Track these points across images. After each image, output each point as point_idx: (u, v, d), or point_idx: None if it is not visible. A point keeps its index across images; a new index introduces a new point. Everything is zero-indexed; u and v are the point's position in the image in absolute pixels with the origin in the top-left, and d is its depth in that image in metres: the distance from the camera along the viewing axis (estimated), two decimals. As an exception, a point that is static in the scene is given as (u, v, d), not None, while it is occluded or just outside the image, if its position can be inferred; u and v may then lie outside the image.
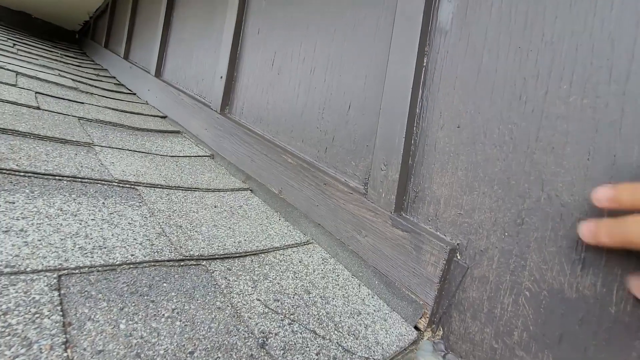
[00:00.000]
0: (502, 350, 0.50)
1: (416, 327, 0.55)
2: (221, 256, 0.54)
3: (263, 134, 1.01)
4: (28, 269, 0.37)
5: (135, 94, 1.90)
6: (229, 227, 0.65)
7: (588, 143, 0.45)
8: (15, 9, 3.58)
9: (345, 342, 0.45)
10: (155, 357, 0.32)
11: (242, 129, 1.05)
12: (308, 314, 0.48)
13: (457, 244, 0.57)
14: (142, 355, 0.32)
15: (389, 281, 0.60)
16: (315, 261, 0.65)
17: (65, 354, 0.29)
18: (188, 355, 0.34)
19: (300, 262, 0.62)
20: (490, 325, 0.52)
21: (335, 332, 0.46)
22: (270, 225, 0.73)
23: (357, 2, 0.80)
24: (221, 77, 1.21)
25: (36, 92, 1.13)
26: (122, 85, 2.07)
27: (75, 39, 4.03)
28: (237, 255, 0.57)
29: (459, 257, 0.57)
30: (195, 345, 0.35)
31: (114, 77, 2.27)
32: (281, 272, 0.57)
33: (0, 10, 3.50)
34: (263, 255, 0.60)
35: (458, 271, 0.56)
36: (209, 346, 0.36)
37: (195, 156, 1.07)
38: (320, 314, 0.49)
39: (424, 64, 0.65)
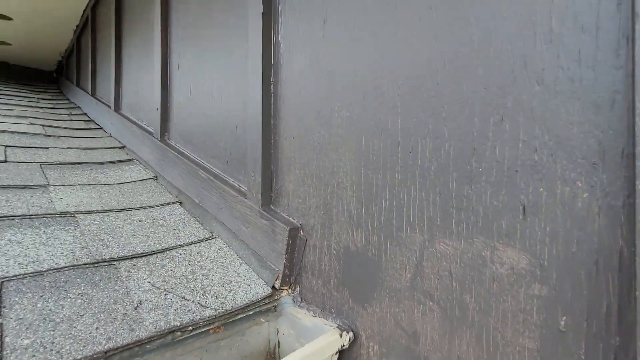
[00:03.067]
0: (327, 293, 0.71)
1: (273, 287, 0.76)
2: (130, 257, 0.77)
3: (189, 154, 1.23)
4: (-19, 280, 0.59)
5: (101, 127, 2.13)
6: (145, 235, 0.87)
7: (355, 142, 0.66)
8: (-6, 60, 3.82)
9: (205, 302, 0.67)
10: (57, 320, 0.54)
11: (174, 152, 1.27)
12: (185, 287, 0.70)
13: (300, 224, 0.78)
14: (48, 318, 0.54)
15: (260, 258, 0.82)
16: (212, 251, 0.86)
17: (-3, 321, 0.51)
18: (80, 317, 0.56)
19: (198, 253, 0.84)
20: (320, 278, 0.73)
21: (202, 296, 0.68)
22: (183, 229, 0.95)
23: (237, 45, 1.00)
24: (157, 108, 1.43)
25: (6, 146, 1.36)
26: (92, 120, 2.30)
27: (53, 79, 4.27)
28: (144, 254, 0.79)
29: (302, 234, 0.78)
30: (86, 311, 0.57)
31: (85, 114, 2.50)
32: (178, 262, 0.79)
33: (-21, 63, 3.75)
34: (167, 252, 0.82)
35: (300, 243, 0.77)
36: (96, 311, 0.58)
37: (140, 180, 1.29)
38: (197, 286, 0.71)
39: (271, 91, 0.85)
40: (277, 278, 0.77)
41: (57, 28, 3.03)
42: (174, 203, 1.12)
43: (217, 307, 0.65)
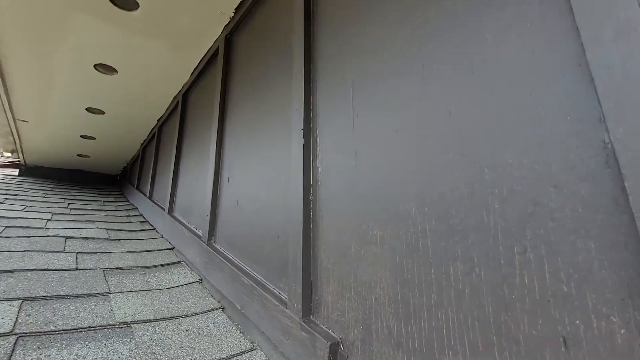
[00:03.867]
0: (372, 422, 0.68)
1: (315, 411, 0.74)
2: (178, 373, 0.80)
3: (233, 258, 1.32)
4: (51, 400, 0.65)
5: (155, 228, 2.36)
6: (192, 347, 0.91)
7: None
8: (73, 169, 4.55)
9: None
10: None
11: (219, 256, 1.38)
12: (229, 410, 0.70)
13: (340, 338, 0.79)
14: None
15: (302, 375, 0.81)
16: (253, 365, 0.87)
17: None
18: None
19: (240, 368, 0.85)
20: (364, 402, 0.70)
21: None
22: (226, 339, 0.97)
23: (280, 165, 1.18)
24: (207, 215, 1.60)
25: (77, 253, 1.56)
26: (147, 221, 2.57)
27: (116, 181, 4.92)
28: (191, 370, 0.82)
29: (342, 349, 0.78)
30: None
31: (141, 215, 2.80)
32: (222, 378, 0.80)
33: (62, 172, 4.48)
34: (212, 367, 0.84)
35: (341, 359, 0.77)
36: None
37: (187, 284, 1.38)
38: (239, 409, 0.71)
39: (310, 207, 0.97)
40: (320, 400, 0.74)
41: (128, 144, 3.64)
42: (217, 309, 1.17)
43: None
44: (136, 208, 3.11)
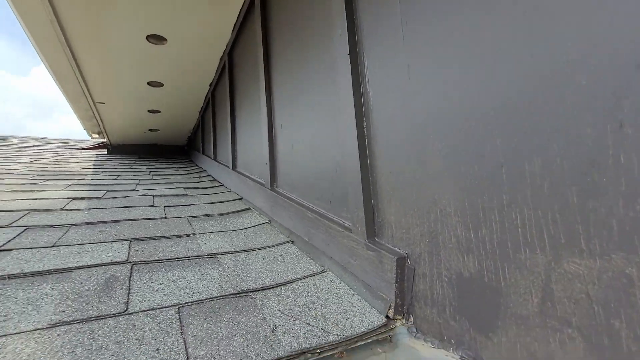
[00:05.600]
0: (443, 323, 0.70)
1: (387, 317, 0.79)
2: (261, 288, 0.90)
3: (295, 198, 1.40)
4: (164, 305, 0.79)
5: (223, 184, 2.58)
6: (270, 271, 1.01)
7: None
8: (148, 143, 5.09)
9: (327, 328, 0.74)
10: (218, 337, 0.68)
11: (283, 198, 1.46)
12: (308, 314, 0.79)
13: (406, 253, 0.80)
14: (212, 336, 0.68)
15: (371, 288, 0.86)
16: (325, 283, 0.95)
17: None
18: (233, 336, 0.69)
19: (314, 285, 0.94)
20: (434, 307, 0.73)
21: (323, 323, 0.75)
22: (299, 264, 1.06)
23: (329, 100, 1.17)
24: (266, 163, 1.69)
25: (164, 206, 1.79)
26: (215, 180, 2.81)
27: (184, 151, 5.39)
28: (271, 287, 0.92)
29: (409, 262, 0.80)
30: (237, 331, 0.70)
31: (210, 175, 3.07)
32: (299, 293, 0.89)
33: (140, 147, 5.04)
34: (289, 285, 0.94)
35: (409, 272, 0.79)
36: (244, 332, 0.70)
37: (258, 225, 1.51)
38: (317, 314, 0.79)
39: (365, 134, 0.95)
40: (390, 307, 0.79)
41: (188, 112, 3.91)
42: (287, 242, 1.27)
43: (339, 334, 0.71)
44: (204, 170, 3.41)
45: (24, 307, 0.73)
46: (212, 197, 2.14)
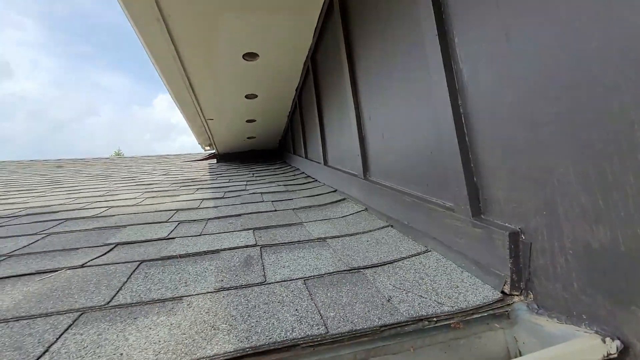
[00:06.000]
0: (571, 298, 0.67)
1: (503, 292, 0.78)
2: (370, 266, 0.99)
3: (390, 185, 1.44)
4: (292, 278, 0.94)
5: (316, 179, 2.78)
6: (375, 251, 1.09)
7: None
8: (247, 150, 5.76)
9: (440, 300, 0.78)
10: (342, 304, 0.79)
11: (377, 185, 1.52)
12: (419, 288, 0.84)
13: (519, 228, 0.78)
14: (336, 303, 0.80)
15: (481, 265, 0.86)
16: (431, 261, 0.98)
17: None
18: (354, 303, 0.79)
19: (420, 263, 0.98)
20: (558, 282, 0.69)
21: (435, 296, 0.80)
22: (402, 245, 1.12)
23: (419, 84, 1.18)
24: (357, 155, 1.77)
25: (272, 201, 2.05)
26: (309, 176, 3.05)
27: (277, 154, 5.93)
28: (379, 264, 1.00)
29: (523, 237, 0.77)
30: (356, 300, 0.80)
31: (303, 172, 3.33)
32: (406, 270, 0.95)
33: (241, 154, 5.75)
34: (395, 263, 1.00)
35: (524, 248, 0.76)
36: (363, 300, 0.80)
37: (356, 212, 1.61)
38: (428, 288, 0.84)
39: (461, 112, 0.94)
40: (505, 283, 0.78)
41: (278, 117, 4.29)
42: (386, 227, 1.33)
43: (453, 305, 0.75)
44: (298, 169, 3.71)
45: (195, 277, 0.98)
46: (309, 191, 2.34)
